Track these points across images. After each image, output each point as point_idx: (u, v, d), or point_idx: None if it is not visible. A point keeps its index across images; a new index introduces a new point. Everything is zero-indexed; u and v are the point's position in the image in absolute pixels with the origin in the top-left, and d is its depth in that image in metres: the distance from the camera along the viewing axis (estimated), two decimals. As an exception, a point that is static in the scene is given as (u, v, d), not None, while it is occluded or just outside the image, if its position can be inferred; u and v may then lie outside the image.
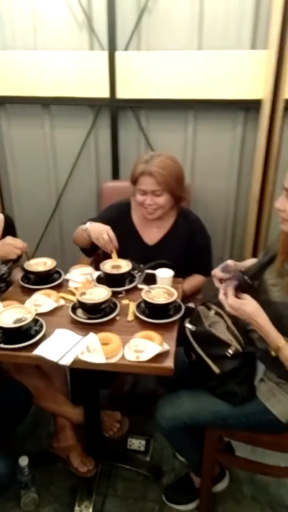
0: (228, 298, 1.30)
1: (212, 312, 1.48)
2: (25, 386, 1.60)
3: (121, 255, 1.71)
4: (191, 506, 1.67)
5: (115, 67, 2.09)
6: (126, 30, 2.07)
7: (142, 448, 1.89)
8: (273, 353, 1.23)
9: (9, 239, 1.62)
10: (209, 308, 1.48)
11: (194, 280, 1.84)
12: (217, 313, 1.47)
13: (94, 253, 1.93)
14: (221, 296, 1.33)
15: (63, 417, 1.75)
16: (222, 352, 1.35)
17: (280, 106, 1.99)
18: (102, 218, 1.82)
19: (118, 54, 2.08)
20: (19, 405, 1.55)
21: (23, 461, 1.61)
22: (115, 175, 2.35)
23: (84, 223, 1.80)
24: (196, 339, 1.42)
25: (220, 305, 1.46)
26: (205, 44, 2.05)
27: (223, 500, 1.71)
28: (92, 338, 1.29)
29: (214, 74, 2.04)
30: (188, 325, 1.46)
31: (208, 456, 1.51)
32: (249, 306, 1.27)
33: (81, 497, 1.67)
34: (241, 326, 1.40)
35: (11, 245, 1.60)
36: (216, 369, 1.34)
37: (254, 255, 2.27)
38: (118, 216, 1.86)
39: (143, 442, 1.90)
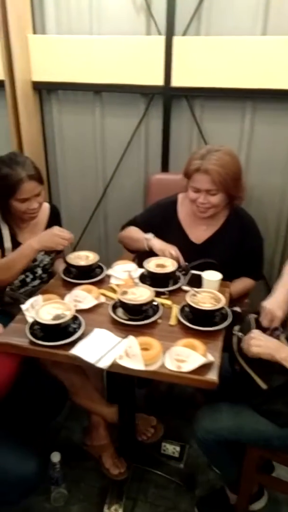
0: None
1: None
2: (61, 381, 1.56)
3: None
4: (225, 523, 1.58)
5: (172, 53, 1.98)
6: (186, 14, 1.95)
7: (176, 454, 1.82)
8: None
9: (56, 229, 1.58)
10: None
11: (243, 283, 1.72)
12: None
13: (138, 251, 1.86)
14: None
15: (97, 415, 1.70)
16: (271, 365, 1.24)
17: None
18: (147, 218, 1.75)
19: (176, 40, 1.96)
20: (54, 401, 1.52)
21: (55, 457, 1.58)
22: (165, 167, 2.25)
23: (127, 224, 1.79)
24: (241, 350, 1.32)
25: None
26: (271, 29, 1.89)
27: (260, 520, 1.61)
28: (132, 342, 1.21)
29: (278, 62, 1.88)
30: (238, 333, 1.36)
31: (247, 476, 1.41)
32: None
33: (111, 500, 1.62)
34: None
35: (58, 236, 1.56)
36: (263, 385, 1.23)
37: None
38: (164, 216, 1.77)
39: (178, 448, 1.83)
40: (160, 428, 1.78)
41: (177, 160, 2.24)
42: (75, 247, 1.83)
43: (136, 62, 2.06)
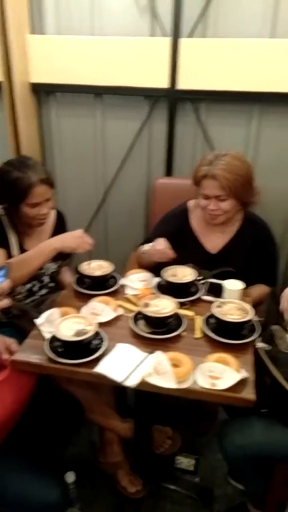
0: None
1: None
2: (76, 397, 1.49)
3: (182, 264, 1.57)
4: (247, 539, 1.54)
5: (178, 55, 1.93)
6: (192, 15, 1.91)
7: (191, 468, 1.76)
8: None
9: (80, 232, 1.51)
10: (286, 329, 1.32)
11: (258, 290, 1.68)
12: None
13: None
14: None
15: (111, 431, 1.63)
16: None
17: None
18: (160, 232, 1.66)
19: (182, 41, 1.91)
20: (71, 418, 1.44)
21: (70, 477, 1.49)
22: (169, 171, 2.20)
23: (140, 245, 1.71)
24: (273, 361, 1.27)
25: None
26: (280, 32, 1.86)
27: (282, 535, 1.57)
28: (161, 358, 1.15)
29: (286, 65, 1.85)
30: (259, 344, 1.31)
31: (276, 491, 1.36)
32: None
33: (129, 520, 1.56)
34: None
35: (83, 239, 1.49)
36: (300, 398, 1.19)
37: None
38: (175, 228, 1.71)
39: (193, 462, 1.78)
40: (177, 438, 1.73)
41: (181, 164, 2.19)
42: (69, 256, 1.75)
43: (140, 64, 2.00)
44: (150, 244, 1.63)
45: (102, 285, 1.52)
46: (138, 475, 1.61)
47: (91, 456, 1.77)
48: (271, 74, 1.88)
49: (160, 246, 1.55)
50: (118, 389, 1.75)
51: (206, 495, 1.69)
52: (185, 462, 1.77)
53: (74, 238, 1.49)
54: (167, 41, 1.92)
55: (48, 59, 2.08)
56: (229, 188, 1.52)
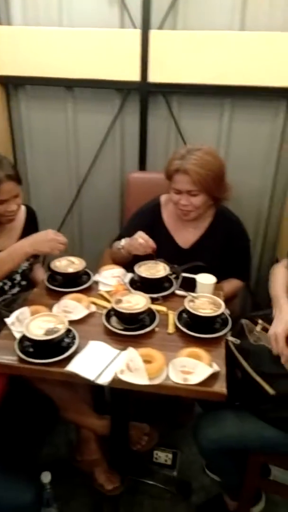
0: None
1: (259, 327, 1.33)
2: (49, 396, 1.46)
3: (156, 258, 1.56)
4: (224, 530, 1.55)
5: (148, 47, 1.91)
6: (162, 6, 1.88)
7: (169, 462, 1.77)
8: None
9: (51, 233, 1.47)
10: (255, 323, 1.33)
11: (231, 285, 1.69)
12: (264, 329, 1.32)
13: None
14: None
15: (87, 429, 1.62)
16: (280, 369, 1.21)
17: None
18: (132, 228, 1.63)
19: (152, 33, 1.89)
20: (45, 418, 1.41)
21: (46, 477, 1.47)
22: (142, 165, 2.18)
23: (113, 242, 1.69)
24: (243, 355, 1.28)
25: (268, 319, 1.32)
26: (249, 25, 1.86)
27: (258, 524, 1.59)
28: (133, 354, 1.14)
29: (257, 58, 1.85)
30: (230, 338, 1.32)
31: (250, 482, 1.38)
32: None
33: (106, 516, 1.55)
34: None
35: (55, 240, 1.44)
36: (270, 390, 1.20)
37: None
38: (148, 223, 1.69)
39: (170, 456, 1.78)
40: (153, 434, 1.73)
41: (154, 158, 2.17)
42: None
43: (110, 56, 1.97)
44: (127, 239, 1.61)
45: (75, 282, 1.50)
46: (116, 471, 1.60)
47: (68, 455, 1.75)
48: (241, 67, 1.88)
49: (142, 239, 1.53)
50: (95, 385, 1.74)
51: (184, 488, 1.69)
52: (162, 456, 1.77)
53: (46, 242, 1.45)
54: (137, 33, 1.90)
55: (16, 51, 2.02)
56: (201, 184, 1.52)
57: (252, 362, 1.26)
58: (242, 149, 2.09)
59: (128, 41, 1.92)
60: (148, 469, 1.75)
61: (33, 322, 1.20)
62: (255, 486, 1.42)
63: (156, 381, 1.11)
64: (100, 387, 1.66)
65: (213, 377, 1.12)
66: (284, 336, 1.21)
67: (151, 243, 1.51)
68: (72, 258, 1.56)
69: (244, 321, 1.37)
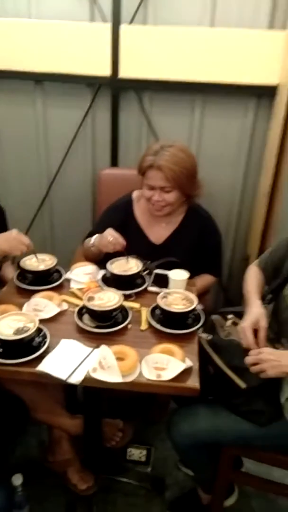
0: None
1: (229, 322, 1.35)
2: (20, 397, 1.43)
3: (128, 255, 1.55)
4: (199, 524, 1.56)
5: (119, 42, 1.89)
6: (132, 1, 1.86)
7: (143, 459, 1.77)
8: None
9: (15, 233, 1.43)
10: (225, 318, 1.35)
11: (204, 281, 1.70)
12: (234, 323, 1.34)
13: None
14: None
15: (60, 429, 1.59)
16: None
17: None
18: (104, 225, 1.62)
19: (123, 28, 1.87)
20: (14, 420, 1.38)
21: (17, 480, 1.45)
22: (114, 162, 2.16)
23: (85, 239, 1.67)
24: (215, 350, 1.29)
25: (238, 314, 1.34)
26: (219, 21, 1.87)
27: (232, 516, 1.61)
28: (106, 352, 1.13)
29: (227, 55, 1.86)
30: (202, 334, 1.32)
31: (223, 475, 1.39)
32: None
33: (80, 516, 1.54)
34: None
35: (17, 240, 1.40)
36: (241, 384, 1.21)
37: (260, 254, 2.14)
38: (120, 219, 1.68)
39: (144, 452, 1.78)
40: (128, 430, 1.72)
41: (126, 154, 2.16)
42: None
43: (80, 50, 1.94)
44: (98, 236, 1.59)
45: (46, 280, 1.47)
46: (89, 471, 1.59)
47: (39, 455, 1.72)
48: (211, 63, 1.88)
49: (112, 237, 1.51)
50: (67, 384, 1.72)
51: (158, 484, 1.70)
52: (136, 453, 1.77)
53: (8, 240, 1.40)
54: (107, 27, 1.87)
55: (-18, 43, 1.96)
56: (174, 180, 1.52)
57: (223, 357, 1.27)
58: (214, 145, 2.10)
59: (99, 35, 1.89)
60: (121, 467, 1.74)
61: (2, 322, 1.17)
62: (228, 479, 1.44)
63: (129, 378, 1.10)
64: (72, 386, 1.65)
65: (186, 372, 1.12)
66: (251, 328, 1.23)
67: (121, 240, 1.50)
68: (43, 256, 1.52)
69: (214, 317, 1.38)
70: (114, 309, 1.25)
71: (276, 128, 1.90)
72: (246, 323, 1.24)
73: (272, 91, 1.90)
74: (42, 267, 1.46)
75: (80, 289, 1.44)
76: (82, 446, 1.61)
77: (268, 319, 1.28)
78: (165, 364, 1.11)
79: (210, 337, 1.33)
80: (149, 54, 1.90)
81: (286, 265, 1.36)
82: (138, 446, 1.79)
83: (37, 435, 1.81)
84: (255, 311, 1.27)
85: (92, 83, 2.02)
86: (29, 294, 1.40)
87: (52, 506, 1.60)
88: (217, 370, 1.27)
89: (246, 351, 1.22)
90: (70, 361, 1.14)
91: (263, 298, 1.35)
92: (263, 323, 1.24)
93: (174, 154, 1.53)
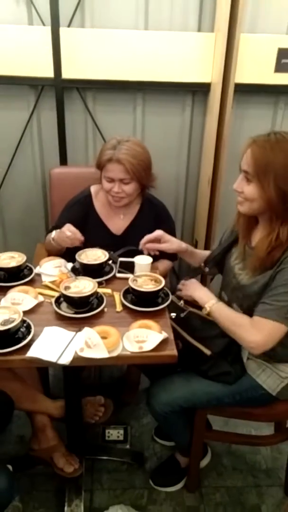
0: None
1: (182, 302, 1.50)
2: (3, 390, 1.48)
3: (89, 247, 1.64)
4: (180, 485, 1.71)
5: (60, 44, 1.96)
6: (68, 4, 1.95)
7: (121, 437, 1.88)
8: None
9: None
10: (179, 298, 1.50)
11: (163, 265, 1.84)
12: (187, 302, 1.50)
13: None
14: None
15: (44, 415, 1.66)
16: (210, 332, 1.38)
17: (230, 89, 2.02)
18: (65, 220, 1.70)
19: (62, 31, 1.94)
20: (1, 413, 1.43)
21: (7, 471, 1.50)
22: (63, 160, 2.23)
23: (48, 233, 1.74)
24: (180, 326, 1.44)
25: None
26: (152, 25, 2.01)
27: (207, 475, 1.77)
28: (90, 332, 1.22)
29: (162, 56, 2.01)
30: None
31: (198, 436, 1.54)
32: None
33: (70, 497, 1.61)
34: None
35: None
36: (207, 351, 1.37)
37: (207, 239, 2.33)
38: (80, 213, 1.78)
39: (121, 431, 1.89)
40: (109, 404, 1.82)
41: (74, 152, 2.24)
42: None
43: (21, 53, 1.98)
44: (57, 231, 1.67)
45: (17, 276, 1.52)
46: (75, 454, 1.67)
47: (22, 449, 1.77)
48: (147, 64, 2.01)
49: (69, 232, 1.59)
50: (42, 373, 1.79)
51: (137, 458, 1.82)
52: (114, 433, 1.88)
53: None
54: (46, 30, 1.94)
55: None
56: (133, 172, 1.64)
57: (187, 330, 1.42)
58: (157, 140, 2.24)
59: (38, 38, 1.95)
60: (103, 448, 1.84)
61: (-13, 316, 1.22)
62: (202, 438, 1.59)
63: (115, 353, 1.20)
64: (45, 374, 1.72)
65: (164, 342, 1.25)
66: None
67: (79, 235, 1.59)
68: (11, 253, 1.57)
69: (172, 297, 1.52)
70: (91, 295, 1.35)
71: (212, 121, 2.09)
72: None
73: (206, 88, 2.09)
74: (13, 263, 1.51)
75: (52, 282, 1.51)
76: (66, 429, 1.66)
77: (222, 290, 1.47)
78: (145, 337, 1.23)
79: (174, 315, 1.46)
80: (90, 56, 1.99)
81: (225, 236, 1.53)
82: (115, 427, 1.90)
83: (16, 431, 1.86)
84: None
85: (35, 85, 2.07)
86: (4, 290, 1.45)
87: (42, 493, 1.67)
88: (184, 343, 1.42)
89: (204, 321, 1.38)
90: (56, 345, 1.22)
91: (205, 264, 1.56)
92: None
93: (131, 148, 1.64)
